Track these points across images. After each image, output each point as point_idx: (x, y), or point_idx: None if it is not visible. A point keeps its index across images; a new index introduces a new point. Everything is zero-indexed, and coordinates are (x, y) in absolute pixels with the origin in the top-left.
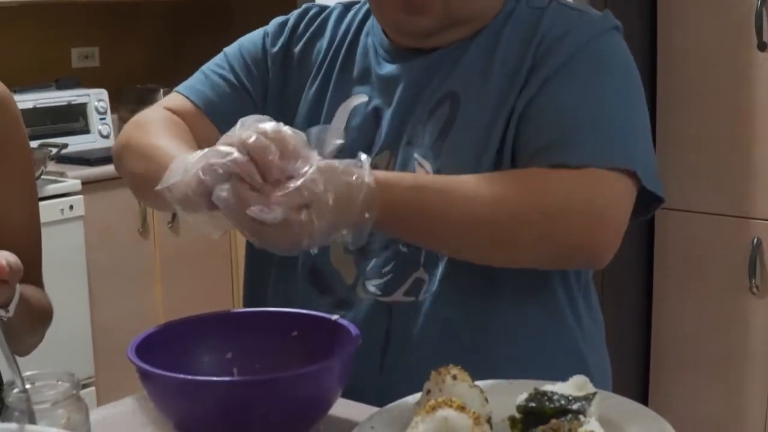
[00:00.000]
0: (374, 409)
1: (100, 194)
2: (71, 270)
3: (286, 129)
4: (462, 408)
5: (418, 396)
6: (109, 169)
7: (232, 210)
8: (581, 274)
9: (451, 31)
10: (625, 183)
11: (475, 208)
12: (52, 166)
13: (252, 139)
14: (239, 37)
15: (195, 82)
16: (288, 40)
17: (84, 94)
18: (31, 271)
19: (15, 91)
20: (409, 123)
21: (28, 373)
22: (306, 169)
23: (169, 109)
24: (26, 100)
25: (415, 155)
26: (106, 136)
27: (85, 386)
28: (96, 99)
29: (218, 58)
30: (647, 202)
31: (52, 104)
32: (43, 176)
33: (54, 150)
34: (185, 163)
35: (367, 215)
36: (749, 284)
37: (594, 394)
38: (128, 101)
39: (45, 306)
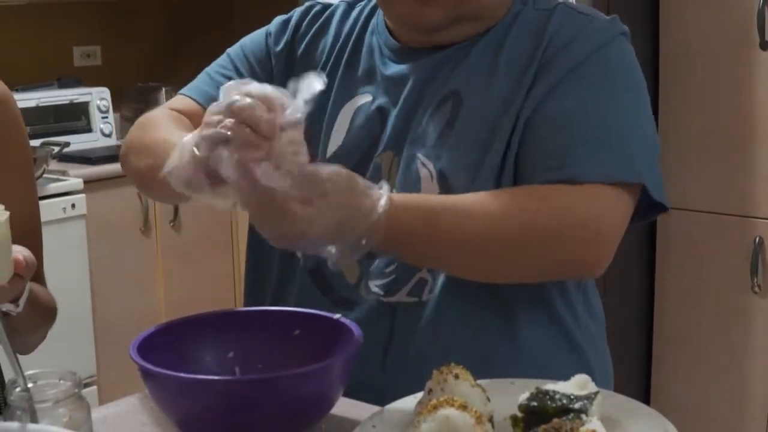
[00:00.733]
0: (376, 408)
1: (102, 193)
2: (73, 268)
3: (269, 86)
4: (464, 407)
5: (420, 395)
6: (111, 167)
7: (234, 175)
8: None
9: (459, 27)
10: (624, 197)
11: (481, 231)
12: (54, 165)
13: (237, 103)
14: (241, 35)
15: (199, 83)
16: (291, 39)
17: (86, 93)
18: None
19: (17, 90)
20: (413, 122)
21: (30, 371)
22: (298, 116)
23: (174, 110)
24: (28, 99)
25: (418, 155)
26: (108, 135)
27: (86, 385)
28: (98, 98)
29: (222, 59)
30: (650, 208)
31: (54, 103)
32: (45, 175)
33: (56, 149)
34: (181, 145)
35: (363, 242)
36: (751, 283)
37: (596, 393)
38: (130, 100)
39: (50, 303)
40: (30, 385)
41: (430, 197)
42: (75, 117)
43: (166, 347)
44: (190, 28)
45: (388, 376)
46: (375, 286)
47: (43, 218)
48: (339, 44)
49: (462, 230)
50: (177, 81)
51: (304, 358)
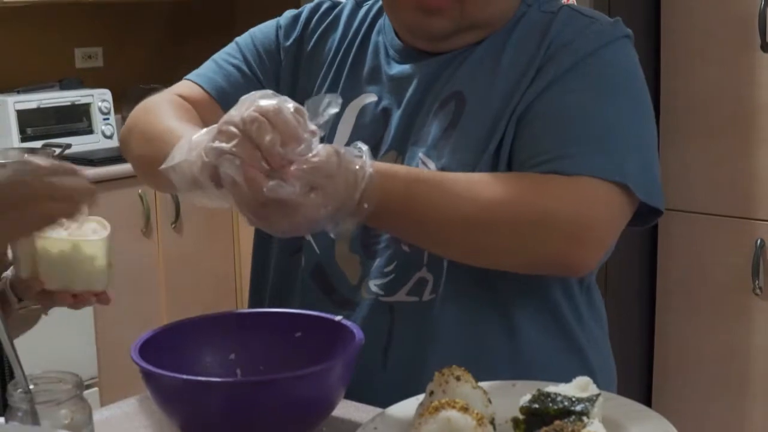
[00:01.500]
0: (377, 410)
1: (103, 194)
2: None
3: (288, 108)
4: (465, 409)
5: (421, 397)
6: (112, 169)
7: (238, 190)
8: (583, 276)
9: (465, 34)
10: (618, 196)
11: (465, 208)
12: None
13: (254, 126)
14: None
15: (206, 70)
16: (300, 35)
17: (87, 95)
18: None
19: (18, 91)
20: (416, 123)
21: (32, 373)
22: (314, 151)
23: (179, 96)
24: (30, 100)
25: (420, 154)
26: (110, 137)
27: (88, 386)
28: (99, 99)
29: (230, 48)
30: (646, 212)
31: (56, 104)
32: None
33: (57, 150)
34: (189, 142)
35: (365, 205)
36: (752, 285)
37: (597, 395)
38: (132, 101)
39: None
40: (31, 386)
41: (419, 170)
42: (76, 119)
43: (168, 349)
44: (192, 30)
45: (389, 378)
46: (375, 285)
47: None
48: (346, 42)
49: (447, 209)
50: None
51: (305, 359)
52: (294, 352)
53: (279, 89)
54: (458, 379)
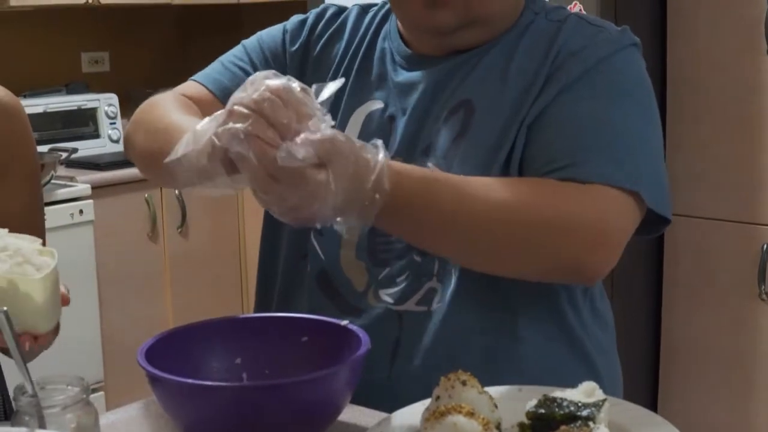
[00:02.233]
0: (383, 415)
1: (109, 199)
2: (81, 274)
3: (295, 87)
4: (471, 414)
5: (427, 402)
6: (118, 173)
7: (251, 166)
8: None
9: (470, 31)
10: (631, 204)
11: (484, 210)
12: (61, 171)
13: (267, 104)
14: None
15: (212, 71)
16: (307, 40)
17: (94, 99)
18: None
19: (25, 96)
20: (424, 130)
21: (38, 377)
22: (328, 125)
23: (184, 95)
24: (36, 105)
25: (429, 164)
26: (116, 141)
27: (94, 390)
28: (106, 103)
29: (237, 50)
30: (655, 221)
31: (62, 109)
32: (52, 181)
33: (64, 154)
34: (194, 132)
35: (377, 196)
36: (759, 290)
37: (603, 400)
38: (138, 106)
39: None
40: (38, 390)
41: (434, 171)
42: (83, 123)
43: (174, 353)
44: (198, 35)
45: (395, 385)
46: (385, 295)
47: (50, 224)
48: (352, 49)
49: (463, 209)
50: None
51: (311, 364)
52: (300, 356)
53: None
54: (464, 384)
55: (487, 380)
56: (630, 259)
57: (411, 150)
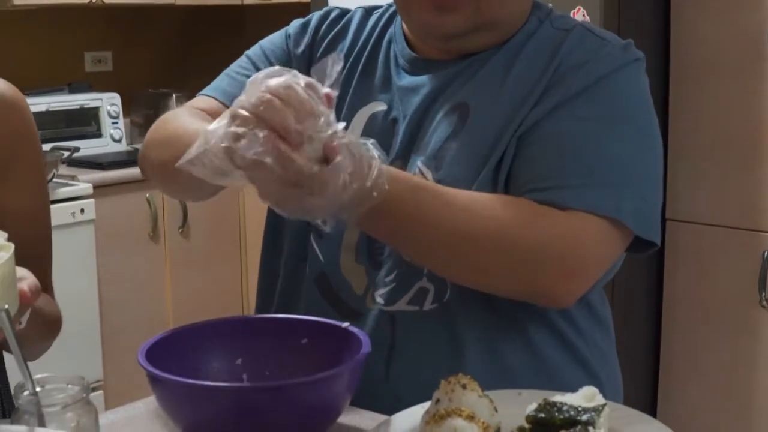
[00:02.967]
0: (383, 417)
1: (111, 198)
2: (81, 273)
3: (299, 83)
4: (471, 417)
5: (427, 404)
6: (120, 173)
7: (263, 171)
8: None
9: (478, 35)
10: (612, 231)
11: (467, 223)
12: (63, 170)
13: (265, 107)
14: (252, 42)
15: (220, 83)
16: (311, 42)
17: (96, 98)
18: (40, 278)
19: (28, 94)
20: (421, 133)
21: (38, 376)
22: (334, 125)
23: (195, 108)
24: (39, 104)
25: (418, 162)
26: (118, 140)
27: (94, 390)
28: (108, 103)
29: (241, 61)
30: (644, 242)
31: (65, 108)
32: (54, 179)
33: (66, 153)
34: (205, 133)
35: (374, 194)
36: (759, 297)
37: (603, 405)
38: (141, 105)
39: (55, 316)
40: (38, 389)
41: (425, 180)
42: (85, 122)
43: (174, 353)
44: (202, 35)
45: (393, 387)
46: (378, 295)
47: (52, 222)
48: (356, 51)
49: (447, 221)
50: (188, 87)
51: (312, 366)
52: (300, 358)
53: None
54: (464, 387)
55: (484, 383)
56: (630, 266)
57: (408, 152)
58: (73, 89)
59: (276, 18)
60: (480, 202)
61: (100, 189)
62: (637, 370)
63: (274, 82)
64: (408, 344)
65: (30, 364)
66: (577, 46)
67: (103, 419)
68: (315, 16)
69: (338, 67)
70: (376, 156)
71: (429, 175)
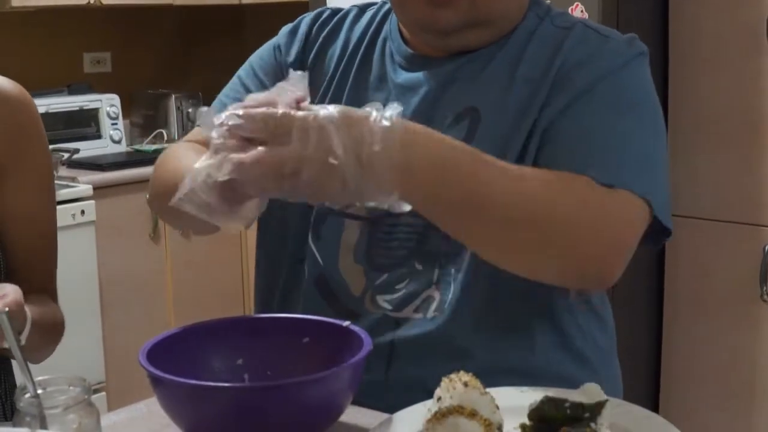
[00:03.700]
0: (385, 416)
1: (111, 199)
2: (82, 275)
3: (249, 99)
4: (473, 415)
5: (428, 402)
6: (120, 174)
7: (254, 161)
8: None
9: (473, 31)
10: (645, 212)
11: (508, 194)
12: (63, 171)
13: (232, 124)
14: (251, 43)
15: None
16: (303, 48)
17: (96, 100)
18: (43, 278)
19: None
20: None
21: (40, 378)
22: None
23: (192, 141)
24: (38, 105)
25: None
26: (118, 142)
27: (96, 391)
28: (108, 104)
29: (232, 83)
30: (655, 233)
31: (64, 109)
32: (54, 181)
33: (66, 155)
34: (193, 171)
35: (377, 148)
36: (760, 292)
37: (605, 401)
38: (140, 106)
39: (57, 323)
40: (39, 391)
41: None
42: (85, 123)
43: (175, 354)
44: (200, 35)
45: (392, 390)
46: (384, 301)
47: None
48: (350, 49)
49: (484, 187)
50: (187, 88)
51: (313, 365)
52: (301, 357)
53: None
54: (466, 385)
55: (486, 384)
56: (631, 261)
57: None
58: (73, 90)
59: (274, 17)
60: (530, 174)
61: (100, 190)
62: (638, 366)
63: (228, 113)
64: (409, 349)
65: (31, 366)
66: (580, 44)
67: (105, 420)
68: (304, 21)
69: (303, 82)
70: (380, 115)
71: None
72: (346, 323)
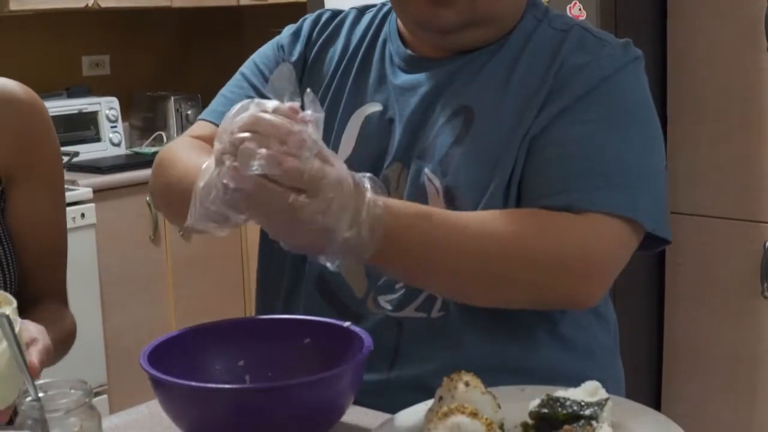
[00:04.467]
0: (386, 416)
1: (111, 202)
2: (83, 278)
3: (266, 110)
4: (474, 414)
5: (430, 402)
6: (120, 176)
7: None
8: None
9: (472, 31)
10: (626, 230)
11: (482, 245)
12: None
13: (244, 144)
14: (250, 45)
15: (216, 105)
16: (304, 48)
17: (95, 102)
18: (55, 283)
19: None
20: (422, 135)
21: (41, 381)
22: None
23: (193, 137)
24: None
25: (425, 170)
26: (117, 144)
27: (97, 394)
28: (107, 107)
29: (235, 79)
30: (653, 240)
31: (63, 112)
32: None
33: (65, 158)
34: (197, 194)
35: (374, 228)
36: (761, 288)
37: (606, 399)
38: (139, 109)
39: (70, 334)
40: (41, 394)
41: (429, 208)
42: (84, 126)
43: (176, 356)
44: (199, 38)
45: (393, 391)
46: (384, 301)
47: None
48: (350, 52)
49: (454, 243)
50: (186, 90)
51: (314, 366)
52: (303, 358)
53: None
54: (467, 384)
55: (488, 383)
56: (632, 258)
57: (408, 154)
58: (72, 94)
59: (273, 18)
60: (489, 221)
61: (100, 193)
62: (640, 363)
63: (241, 119)
64: (413, 348)
65: None
66: (577, 48)
67: (107, 423)
68: (306, 23)
69: (292, 76)
70: (368, 186)
71: (436, 181)
72: (347, 324)
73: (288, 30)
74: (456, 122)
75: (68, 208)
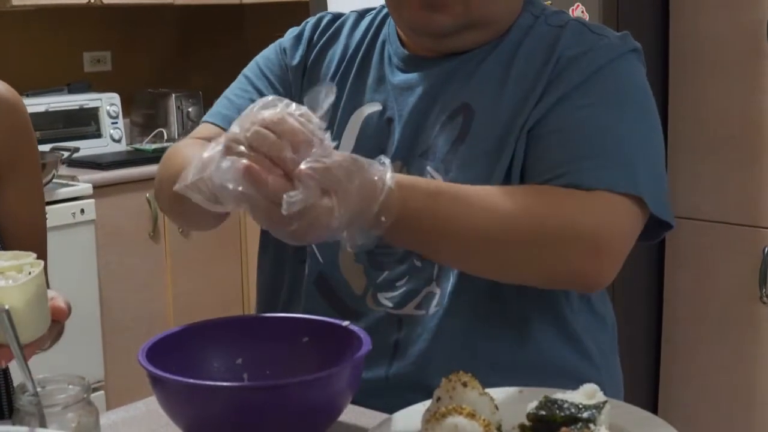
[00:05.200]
0: (384, 416)
1: (111, 198)
2: (82, 273)
3: (293, 113)
4: (472, 415)
5: (428, 403)
6: (120, 173)
7: (252, 202)
8: None
9: (468, 33)
10: (633, 209)
11: (490, 221)
12: (63, 170)
13: (259, 139)
14: (251, 42)
15: (220, 108)
16: (306, 51)
17: (96, 98)
18: None
19: (27, 95)
20: (422, 134)
21: (39, 376)
22: (331, 155)
23: (198, 138)
24: (38, 104)
25: (428, 168)
26: (118, 140)
27: (95, 390)
28: (108, 103)
29: (239, 81)
30: (655, 226)
31: (64, 108)
32: (54, 180)
33: (65, 154)
34: (201, 159)
35: (383, 219)
36: (760, 293)
37: (604, 402)
38: (140, 105)
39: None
40: (39, 389)
41: (438, 182)
42: (85, 122)
43: (175, 353)
44: (201, 35)
45: (393, 388)
46: (384, 299)
47: (52, 223)
48: (349, 53)
49: (467, 220)
50: (187, 87)
51: (312, 364)
52: (301, 357)
53: None
54: (465, 385)
55: (485, 382)
56: (631, 262)
57: (409, 153)
58: (72, 89)
59: (275, 17)
60: (500, 196)
61: (100, 189)
62: (638, 367)
63: (267, 114)
64: (412, 346)
65: (31, 364)
66: (574, 41)
67: (104, 419)
68: (308, 26)
69: (330, 98)
70: (388, 178)
71: (440, 178)
72: (346, 323)
73: (290, 33)
74: (457, 120)
75: (68, 204)
